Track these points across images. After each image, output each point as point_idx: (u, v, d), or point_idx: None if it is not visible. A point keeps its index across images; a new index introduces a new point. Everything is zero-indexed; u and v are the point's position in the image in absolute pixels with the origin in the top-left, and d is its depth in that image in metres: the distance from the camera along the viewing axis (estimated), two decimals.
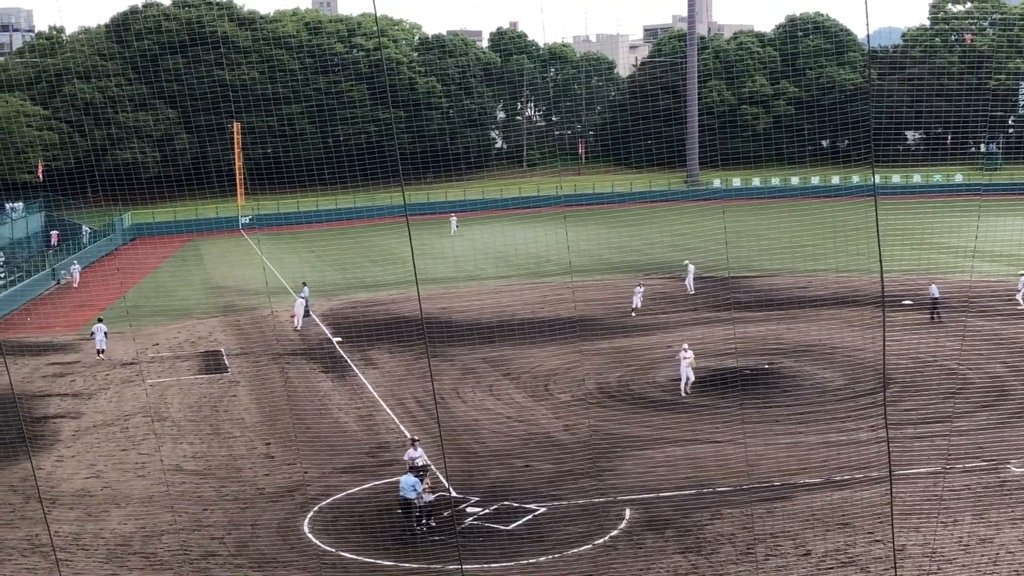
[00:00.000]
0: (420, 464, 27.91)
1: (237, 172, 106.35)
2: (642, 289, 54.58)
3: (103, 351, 47.94)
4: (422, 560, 24.54)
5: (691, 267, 59.68)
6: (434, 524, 26.37)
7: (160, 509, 28.36)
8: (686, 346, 39.17)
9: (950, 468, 28.77)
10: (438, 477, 29.09)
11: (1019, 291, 50.97)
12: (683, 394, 37.96)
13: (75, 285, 70.87)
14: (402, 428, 35.23)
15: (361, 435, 35.06)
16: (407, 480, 26.32)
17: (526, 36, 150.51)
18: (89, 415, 38.57)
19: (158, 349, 49.78)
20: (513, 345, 47.08)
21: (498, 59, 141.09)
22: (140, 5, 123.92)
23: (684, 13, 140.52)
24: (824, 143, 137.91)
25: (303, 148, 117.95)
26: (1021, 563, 23.12)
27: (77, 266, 73.52)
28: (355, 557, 25.06)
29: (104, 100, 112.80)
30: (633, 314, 53.05)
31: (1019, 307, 50.25)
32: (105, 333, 48.04)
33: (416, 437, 29.98)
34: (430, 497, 26.55)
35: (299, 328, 53.04)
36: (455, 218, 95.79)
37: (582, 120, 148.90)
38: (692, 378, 38.38)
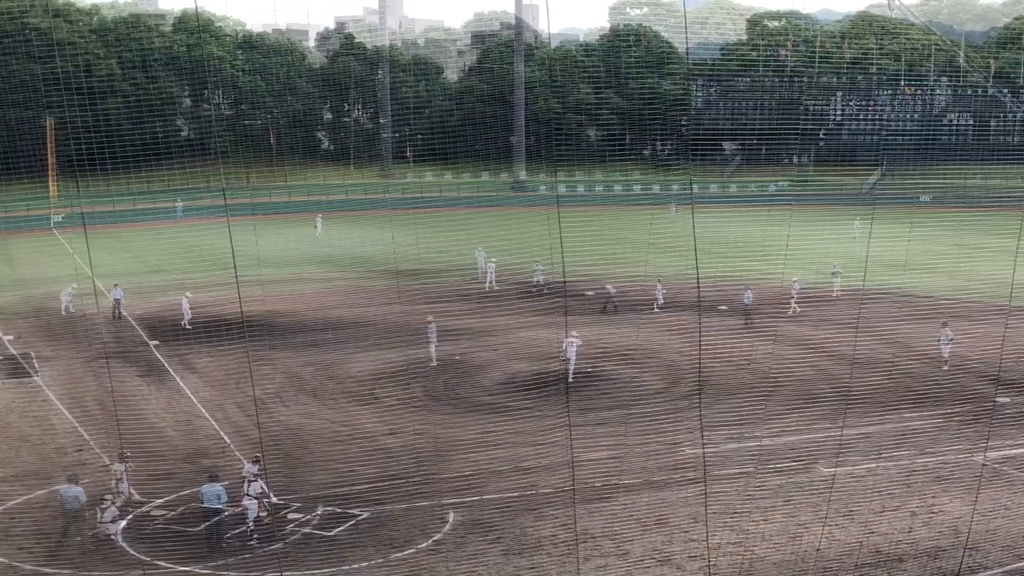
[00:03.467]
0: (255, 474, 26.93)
1: (49, 169, 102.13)
2: (660, 286, 55.50)
3: None
4: (241, 568, 24.01)
5: (485, 261, 62.78)
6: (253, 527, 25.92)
7: None
8: (575, 333, 39.51)
9: (762, 468, 29.76)
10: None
11: (793, 298, 53.19)
12: (570, 379, 39.00)
13: None
14: (222, 434, 34.42)
15: (178, 441, 34.10)
16: (211, 489, 25.61)
17: (353, 38, 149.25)
18: None
19: None
20: (338, 349, 46.56)
21: (325, 59, 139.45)
22: None
23: (512, 21, 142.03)
24: (645, 152, 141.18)
25: (119, 145, 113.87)
26: (829, 560, 24.07)
27: None
28: (171, 567, 24.33)
29: None
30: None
31: (793, 312, 52.42)
32: None
33: (258, 455, 28.88)
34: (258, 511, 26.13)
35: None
36: (320, 218, 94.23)
37: (410, 122, 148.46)
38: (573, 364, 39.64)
